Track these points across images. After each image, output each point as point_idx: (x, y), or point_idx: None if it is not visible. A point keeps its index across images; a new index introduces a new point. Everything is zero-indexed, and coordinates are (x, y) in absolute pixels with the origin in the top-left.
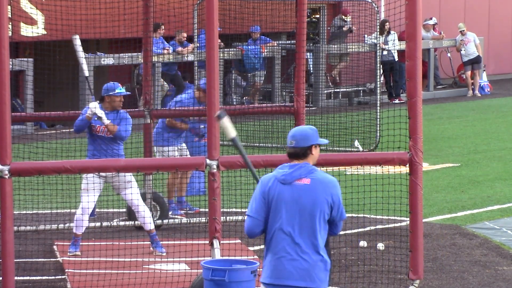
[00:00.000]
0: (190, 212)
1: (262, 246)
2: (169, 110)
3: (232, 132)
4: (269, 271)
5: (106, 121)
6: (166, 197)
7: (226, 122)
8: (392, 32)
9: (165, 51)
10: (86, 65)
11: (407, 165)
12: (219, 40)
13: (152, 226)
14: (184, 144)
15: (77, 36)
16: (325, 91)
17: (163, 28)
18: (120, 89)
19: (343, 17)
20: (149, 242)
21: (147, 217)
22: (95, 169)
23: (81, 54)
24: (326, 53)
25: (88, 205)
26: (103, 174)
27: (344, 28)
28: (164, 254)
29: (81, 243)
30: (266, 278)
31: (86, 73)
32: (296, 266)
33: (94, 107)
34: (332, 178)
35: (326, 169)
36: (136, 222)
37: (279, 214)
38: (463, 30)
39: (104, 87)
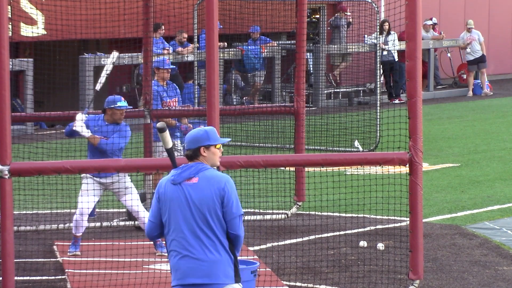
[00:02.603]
0: None
1: (263, 246)
2: (169, 110)
3: (169, 143)
4: (174, 272)
5: (86, 135)
6: None
7: (166, 134)
8: (392, 32)
9: (165, 51)
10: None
11: (407, 165)
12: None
13: None
14: (179, 142)
15: (117, 54)
16: (325, 91)
17: (163, 28)
18: (122, 103)
19: (342, 13)
20: (148, 242)
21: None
22: (95, 169)
23: (108, 70)
24: (327, 53)
25: (87, 205)
26: (102, 181)
27: (343, 21)
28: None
29: (81, 243)
30: (173, 281)
31: (98, 87)
32: (196, 264)
33: (79, 119)
34: (221, 174)
35: (326, 169)
36: (136, 223)
37: (174, 214)
38: (471, 28)
39: (107, 99)
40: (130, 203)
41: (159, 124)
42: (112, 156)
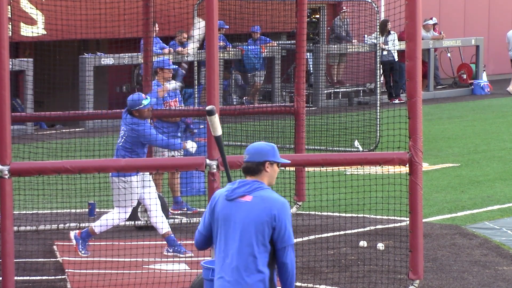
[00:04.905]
0: (188, 212)
1: None
2: (169, 110)
3: (219, 130)
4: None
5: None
6: (171, 196)
7: (216, 118)
8: (392, 32)
9: (165, 51)
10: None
11: (407, 165)
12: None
13: (166, 229)
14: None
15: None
16: (325, 91)
17: (157, 27)
18: (146, 101)
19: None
20: (148, 242)
21: (159, 222)
22: (96, 169)
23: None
24: (326, 53)
25: (126, 216)
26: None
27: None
28: (189, 254)
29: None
30: None
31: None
32: (227, 284)
33: (191, 148)
34: (278, 197)
35: (326, 169)
36: (137, 222)
37: (221, 231)
38: None
39: (130, 101)
40: (148, 195)
41: (209, 107)
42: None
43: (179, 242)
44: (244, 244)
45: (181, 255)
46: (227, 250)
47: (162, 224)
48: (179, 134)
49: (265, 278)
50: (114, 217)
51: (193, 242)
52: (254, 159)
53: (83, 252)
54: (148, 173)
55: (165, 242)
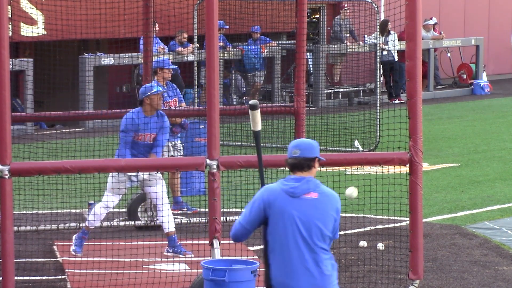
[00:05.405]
0: (188, 212)
1: (263, 246)
2: (169, 110)
3: (259, 125)
4: (279, 286)
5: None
6: (171, 196)
7: (258, 113)
8: (392, 32)
9: (160, 49)
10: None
11: (407, 165)
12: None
13: (171, 229)
14: (178, 142)
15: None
16: (325, 91)
17: (157, 27)
18: (157, 88)
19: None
20: (148, 242)
21: (165, 221)
22: (96, 169)
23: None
24: (326, 53)
25: (112, 204)
26: (133, 173)
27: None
28: (189, 255)
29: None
30: None
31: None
32: (309, 281)
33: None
34: (334, 192)
35: (326, 169)
36: (137, 222)
37: (286, 227)
38: None
39: (140, 90)
40: (155, 195)
41: (252, 101)
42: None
43: (178, 242)
44: (316, 238)
45: (181, 256)
46: (295, 245)
47: (169, 224)
48: (178, 134)
49: (334, 265)
50: (102, 205)
51: (190, 241)
52: (306, 155)
53: (77, 250)
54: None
55: (165, 242)
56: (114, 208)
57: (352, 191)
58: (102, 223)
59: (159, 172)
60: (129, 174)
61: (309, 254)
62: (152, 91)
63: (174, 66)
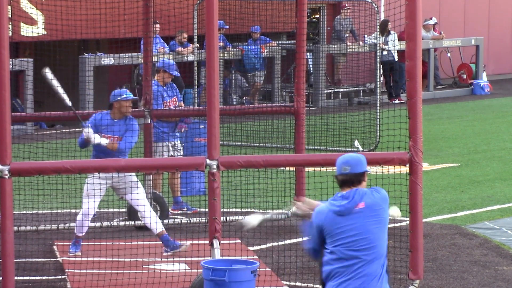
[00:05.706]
0: (188, 212)
1: (263, 246)
2: (169, 110)
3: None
4: None
5: (104, 143)
6: (171, 196)
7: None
8: (392, 32)
9: (160, 50)
10: (65, 95)
11: (407, 165)
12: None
13: (160, 229)
14: (178, 142)
15: (48, 69)
16: (325, 91)
17: (158, 26)
18: (128, 94)
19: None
20: (148, 242)
21: (153, 223)
22: (95, 169)
23: (56, 85)
24: (326, 53)
25: (89, 210)
26: (108, 175)
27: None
28: (183, 247)
29: (81, 243)
30: None
31: (69, 103)
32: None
33: (87, 132)
34: (383, 191)
35: (326, 169)
36: (137, 222)
37: (348, 242)
38: None
39: (112, 93)
40: (136, 202)
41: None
42: (120, 155)
43: (172, 239)
44: (379, 244)
45: (181, 254)
46: (364, 256)
47: (156, 224)
48: (177, 134)
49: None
50: (83, 212)
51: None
52: (356, 170)
53: (76, 250)
54: (134, 175)
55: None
56: (114, 208)
57: (395, 212)
58: (102, 224)
59: (134, 176)
60: (104, 175)
61: (377, 260)
62: (122, 97)
63: (178, 74)
